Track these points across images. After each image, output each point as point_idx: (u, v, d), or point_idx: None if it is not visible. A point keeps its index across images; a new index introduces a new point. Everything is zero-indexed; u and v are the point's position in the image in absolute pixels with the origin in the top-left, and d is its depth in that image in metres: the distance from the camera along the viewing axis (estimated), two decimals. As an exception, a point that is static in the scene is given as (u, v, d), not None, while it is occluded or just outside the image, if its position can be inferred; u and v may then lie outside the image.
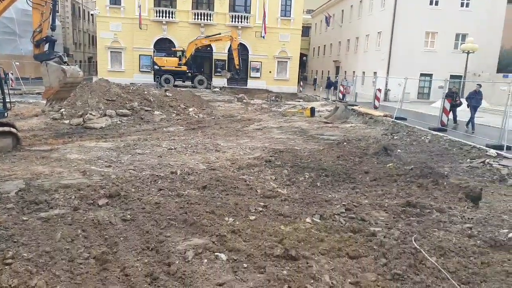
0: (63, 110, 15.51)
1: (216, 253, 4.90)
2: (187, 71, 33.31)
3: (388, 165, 9.44)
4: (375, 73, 30.76)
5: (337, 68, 43.65)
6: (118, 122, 15.16)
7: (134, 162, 9.39)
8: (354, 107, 20.45)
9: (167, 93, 20.81)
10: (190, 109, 19.33)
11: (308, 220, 6.01)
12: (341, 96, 25.98)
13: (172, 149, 11.08)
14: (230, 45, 33.84)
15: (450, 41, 30.26)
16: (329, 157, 10.46)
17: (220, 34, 33.09)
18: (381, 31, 32.00)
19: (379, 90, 21.96)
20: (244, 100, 26.95)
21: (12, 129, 10.20)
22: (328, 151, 11.22)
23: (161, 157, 10.11)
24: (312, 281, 4.27)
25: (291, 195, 7.31)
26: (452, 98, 14.90)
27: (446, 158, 10.49)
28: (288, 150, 11.13)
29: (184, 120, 16.86)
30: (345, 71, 39.09)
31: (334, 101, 25.51)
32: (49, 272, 4.27)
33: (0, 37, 32.96)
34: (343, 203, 6.80)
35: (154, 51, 34.81)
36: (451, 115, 15.17)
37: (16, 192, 6.71)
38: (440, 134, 13.18)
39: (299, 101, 28.06)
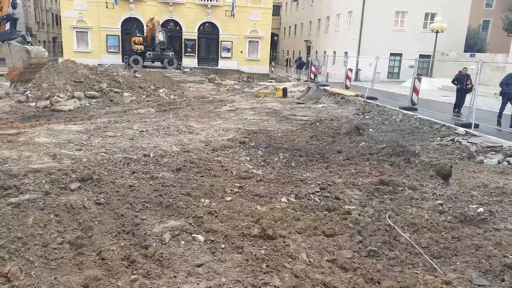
0: (28, 92, 14.80)
1: (193, 235, 4.91)
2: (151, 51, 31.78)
3: (360, 144, 9.66)
4: (346, 53, 31.05)
5: (308, 48, 43.74)
6: (87, 104, 14.68)
7: (106, 145, 9.16)
8: (326, 87, 20.66)
9: (136, 74, 20.29)
10: (161, 91, 18.96)
11: (283, 199, 6.11)
12: (312, 76, 26.14)
13: (143, 131, 10.88)
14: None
15: (419, 21, 30.84)
16: (302, 137, 10.59)
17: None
18: (352, 10, 32.17)
19: (350, 70, 22.24)
20: (216, 81, 26.67)
21: (-27, 113, 9.71)
22: (301, 132, 11.35)
23: (133, 139, 9.91)
24: (289, 260, 4.37)
25: (266, 175, 7.37)
26: (461, 82, 13.55)
27: (417, 137, 10.82)
28: (262, 131, 11.18)
29: (154, 101, 16.53)
30: (316, 51, 39.25)
31: (306, 81, 25.65)
32: (22, 258, 4.17)
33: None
34: (318, 182, 6.94)
35: (135, 31, 33.27)
36: (453, 99, 14.13)
37: (-18, 178, 6.44)
38: (411, 113, 13.55)
39: (271, 82, 28.04)
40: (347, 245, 4.81)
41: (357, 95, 17.74)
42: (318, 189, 6.58)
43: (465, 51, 31.98)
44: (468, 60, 24.12)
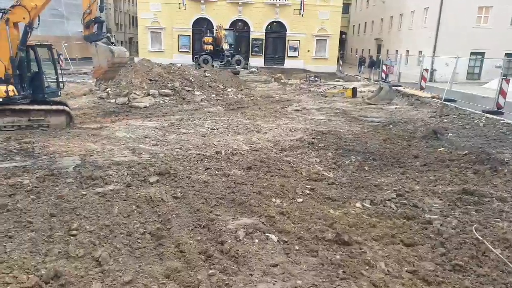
0: (109, 89, 15.98)
1: (266, 234, 4.93)
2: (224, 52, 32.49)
3: (439, 149, 9.05)
4: (420, 52, 29.35)
5: (379, 47, 42.07)
6: (161, 101, 15.42)
7: (180, 141, 9.56)
8: (399, 88, 19.69)
9: (206, 73, 20.91)
10: (229, 90, 19.34)
11: (358, 204, 5.91)
12: (383, 76, 25.07)
13: (214, 129, 11.18)
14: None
15: (506, 16, 28.15)
16: (375, 140, 10.18)
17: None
18: (428, 7, 30.31)
19: (426, 70, 20.96)
20: (282, 80, 26.62)
21: (66, 108, 10.66)
22: (373, 134, 10.91)
23: (204, 137, 10.23)
24: (367, 267, 4.20)
25: (337, 178, 7.19)
26: None
27: (505, 144, 9.83)
28: (331, 132, 10.92)
29: (223, 100, 16.91)
30: (387, 50, 37.64)
31: (376, 81, 24.68)
32: (111, 245, 4.47)
33: (49, 19, 34.13)
34: (394, 188, 6.61)
35: (205, 31, 34.36)
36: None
37: (74, 168, 7.05)
38: (496, 117, 12.41)
39: (339, 81, 27.37)
40: (428, 256, 4.51)
41: (433, 97, 16.66)
42: (395, 196, 6.27)
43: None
44: None
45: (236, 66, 31.49)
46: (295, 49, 38.11)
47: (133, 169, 7.12)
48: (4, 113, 9.78)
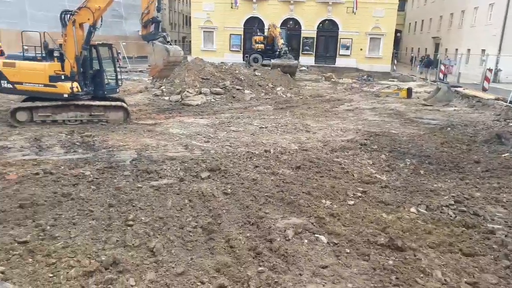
0: (163, 87, 16.60)
1: (316, 235, 4.87)
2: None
3: (503, 155, 8.44)
4: (483, 50, 27.51)
5: (437, 45, 39.99)
6: (212, 100, 15.75)
7: (230, 139, 9.71)
8: (458, 89, 18.60)
9: (256, 72, 21.04)
10: (278, 89, 19.32)
11: (412, 209, 5.67)
12: (441, 76, 23.80)
13: (263, 128, 11.23)
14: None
15: None
16: (431, 143, 9.69)
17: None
18: (494, 2, 28.29)
19: (490, 70, 19.60)
20: (332, 79, 26.17)
21: (124, 104, 11.23)
22: (430, 137, 10.39)
23: (253, 135, 10.30)
24: (422, 275, 4.02)
25: (391, 182, 6.94)
26: None
27: None
28: (385, 134, 10.56)
29: (272, 99, 16.93)
30: (446, 49, 35.66)
31: (433, 81, 23.50)
32: (164, 236, 4.64)
33: (109, 19, 36.10)
34: (452, 194, 6.27)
35: (256, 30, 34.53)
36: None
37: (130, 161, 7.41)
38: None
39: (393, 81, 26.40)
40: (490, 268, 4.23)
41: (497, 99, 15.54)
42: (453, 202, 5.93)
43: None
44: None
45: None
46: (347, 48, 37.28)
47: (186, 164, 7.34)
48: (68, 108, 10.50)
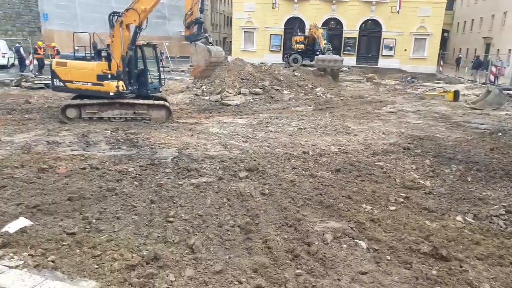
0: (204, 87, 16.90)
1: (355, 240, 4.76)
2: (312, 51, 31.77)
3: (561, 164, 7.86)
4: (539, 51, 25.79)
5: (487, 46, 37.95)
6: (251, 100, 15.83)
7: (268, 139, 9.71)
8: (511, 92, 17.53)
9: (295, 73, 20.92)
10: (318, 89, 19.11)
11: (459, 218, 5.41)
12: (492, 78, 22.54)
13: (302, 129, 11.14)
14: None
15: None
16: (480, 148, 9.20)
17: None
18: (553, 0, 26.47)
19: (546, 72, 18.34)
20: (374, 80, 25.49)
21: (166, 103, 11.54)
22: (478, 142, 9.87)
23: (292, 136, 10.24)
24: (468, 288, 3.83)
25: (435, 188, 6.66)
26: None
27: None
28: (429, 138, 10.14)
29: (311, 100, 16.76)
30: (498, 49, 33.75)
31: (483, 84, 22.30)
32: (203, 234, 4.71)
33: (153, 20, 37.23)
34: (503, 203, 5.92)
35: (297, 31, 34.17)
36: None
37: (172, 159, 7.60)
38: None
39: (439, 83, 25.32)
40: (546, 286, 3.95)
41: (554, 103, 14.53)
42: (504, 212, 5.60)
43: None
44: None
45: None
46: (390, 48, 36.19)
47: (225, 163, 7.41)
48: (113, 106, 10.95)
